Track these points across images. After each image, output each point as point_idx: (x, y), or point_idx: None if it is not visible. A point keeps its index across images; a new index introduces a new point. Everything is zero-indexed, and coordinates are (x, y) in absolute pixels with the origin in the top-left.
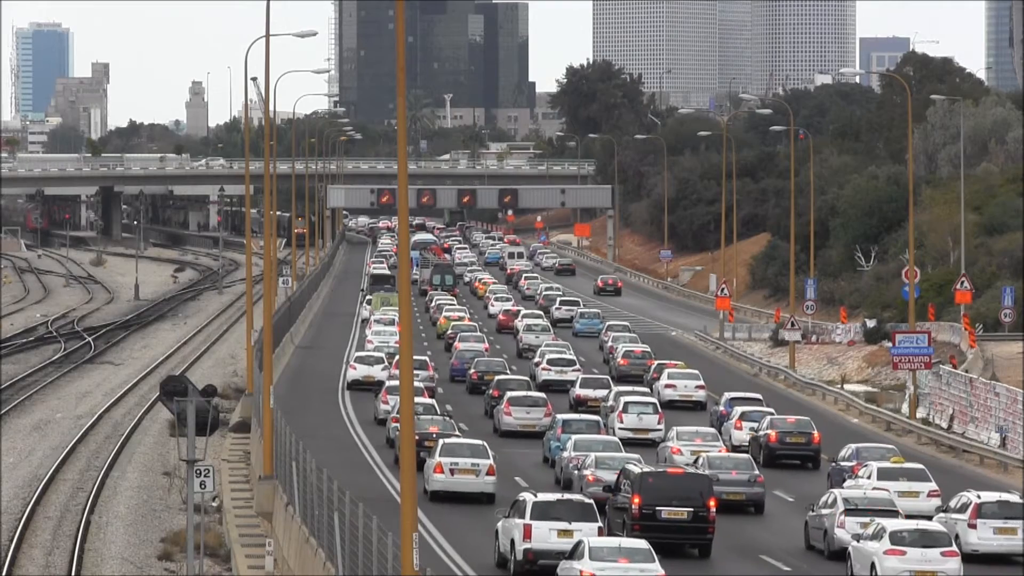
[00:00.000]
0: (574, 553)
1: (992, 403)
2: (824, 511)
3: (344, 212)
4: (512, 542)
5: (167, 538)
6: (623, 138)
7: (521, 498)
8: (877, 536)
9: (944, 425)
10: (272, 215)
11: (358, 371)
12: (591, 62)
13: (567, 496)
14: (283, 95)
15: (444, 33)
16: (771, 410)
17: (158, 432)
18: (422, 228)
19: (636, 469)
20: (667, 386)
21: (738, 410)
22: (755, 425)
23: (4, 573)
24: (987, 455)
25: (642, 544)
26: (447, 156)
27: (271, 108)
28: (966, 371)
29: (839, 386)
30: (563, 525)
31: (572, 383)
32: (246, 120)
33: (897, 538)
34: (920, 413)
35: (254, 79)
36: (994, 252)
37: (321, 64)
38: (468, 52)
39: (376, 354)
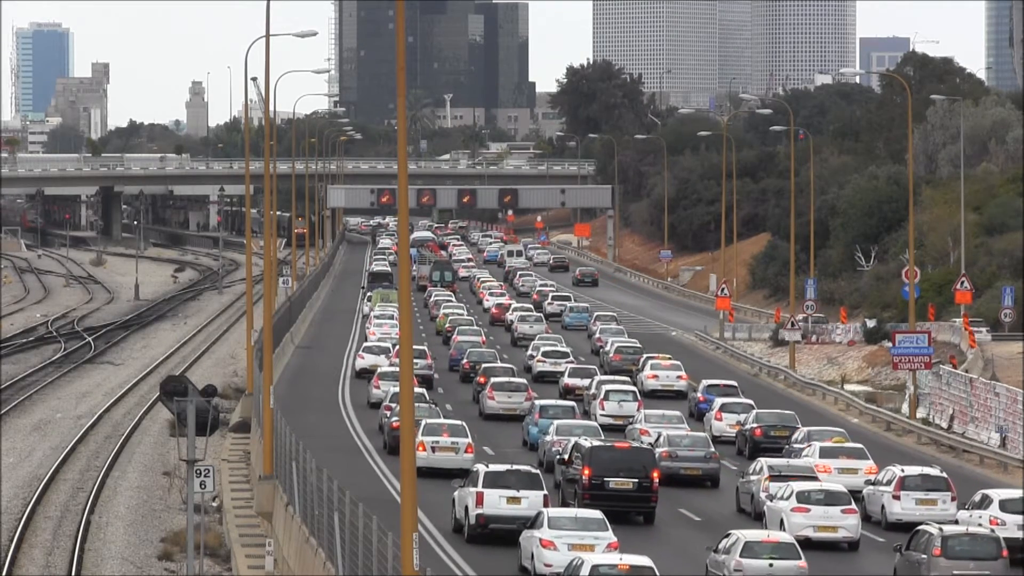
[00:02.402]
0: (535, 523)
1: (992, 403)
2: (752, 477)
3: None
4: (466, 508)
5: (167, 538)
6: (623, 138)
7: (475, 469)
8: (787, 496)
9: (944, 425)
10: (272, 215)
11: (365, 360)
12: (591, 62)
13: (516, 466)
14: (283, 95)
15: (444, 33)
16: (750, 401)
17: (158, 432)
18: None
19: (587, 443)
20: (650, 376)
21: (719, 401)
22: (737, 417)
23: (4, 573)
24: (987, 455)
25: (596, 514)
26: (447, 156)
27: (271, 108)
28: (966, 371)
29: (839, 386)
30: (511, 493)
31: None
32: (246, 120)
33: (803, 497)
34: (920, 413)
35: (254, 79)
36: (994, 252)
37: (321, 64)
38: (468, 52)
39: (383, 344)
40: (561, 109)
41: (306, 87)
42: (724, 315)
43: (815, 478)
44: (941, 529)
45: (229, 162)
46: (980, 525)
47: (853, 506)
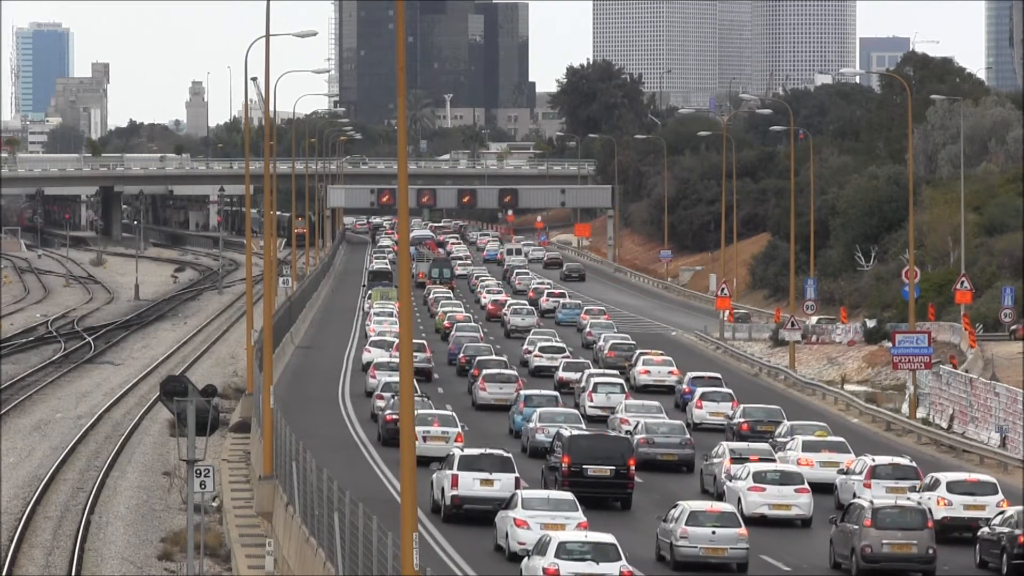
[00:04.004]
0: (509, 504)
1: (992, 403)
2: (715, 460)
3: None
4: (443, 490)
5: (167, 538)
6: (623, 138)
7: (451, 453)
8: (744, 476)
9: (944, 425)
10: (272, 215)
11: (372, 354)
12: (591, 62)
13: (489, 451)
14: (283, 95)
15: (444, 33)
16: (730, 391)
17: (158, 432)
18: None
19: (567, 432)
20: (642, 372)
21: (699, 390)
22: (717, 406)
23: (4, 573)
24: (987, 455)
25: (567, 495)
26: (447, 156)
27: (271, 108)
28: (966, 371)
29: (839, 386)
30: (484, 475)
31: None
32: (246, 120)
33: (759, 477)
34: (920, 413)
35: (254, 79)
36: (994, 252)
37: (321, 64)
38: (468, 52)
39: (389, 339)
40: (561, 109)
41: (306, 87)
42: (724, 315)
43: (772, 460)
44: (872, 502)
45: (229, 162)
46: (907, 499)
47: (806, 486)
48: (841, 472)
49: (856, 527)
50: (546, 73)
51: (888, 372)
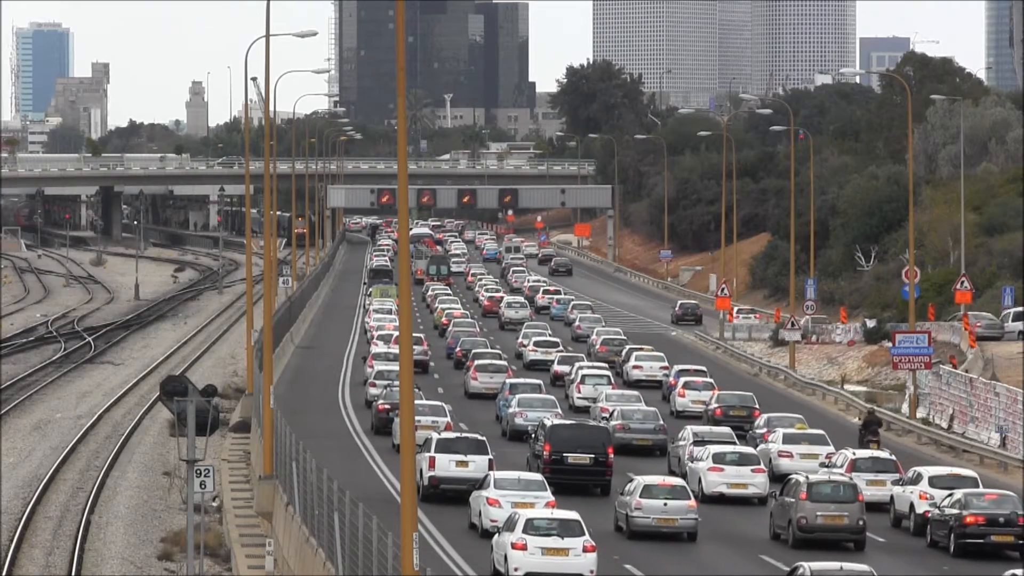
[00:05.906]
0: (482, 484)
1: (992, 403)
2: (680, 443)
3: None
4: (421, 471)
5: (167, 538)
6: (623, 138)
7: (429, 436)
8: (704, 458)
9: (944, 425)
10: (272, 215)
11: (379, 348)
12: (591, 62)
13: (464, 434)
14: (283, 95)
15: (444, 33)
16: (711, 380)
17: (158, 432)
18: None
19: (548, 422)
20: (634, 367)
21: (682, 379)
22: (698, 394)
23: (4, 573)
24: (987, 455)
25: (537, 476)
26: (447, 156)
27: (271, 108)
28: (966, 371)
29: (839, 386)
30: (460, 457)
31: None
32: (246, 120)
33: (718, 458)
34: (920, 413)
35: (254, 79)
36: (994, 252)
37: (321, 64)
38: (468, 52)
39: (395, 333)
40: (561, 109)
41: (306, 87)
42: (724, 315)
43: (733, 443)
44: (807, 477)
45: (229, 162)
46: (841, 474)
47: (762, 466)
48: (822, 465)
49: (793, 500)
50: (546, 73)
51: (888, 372)
